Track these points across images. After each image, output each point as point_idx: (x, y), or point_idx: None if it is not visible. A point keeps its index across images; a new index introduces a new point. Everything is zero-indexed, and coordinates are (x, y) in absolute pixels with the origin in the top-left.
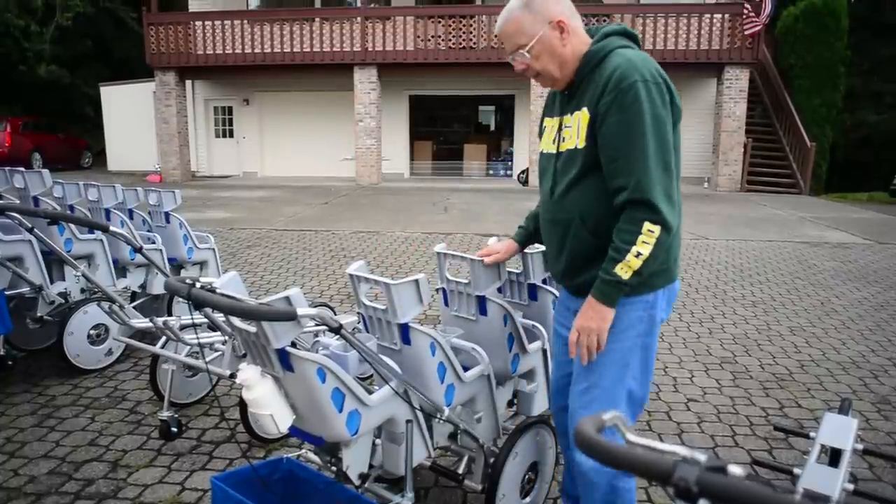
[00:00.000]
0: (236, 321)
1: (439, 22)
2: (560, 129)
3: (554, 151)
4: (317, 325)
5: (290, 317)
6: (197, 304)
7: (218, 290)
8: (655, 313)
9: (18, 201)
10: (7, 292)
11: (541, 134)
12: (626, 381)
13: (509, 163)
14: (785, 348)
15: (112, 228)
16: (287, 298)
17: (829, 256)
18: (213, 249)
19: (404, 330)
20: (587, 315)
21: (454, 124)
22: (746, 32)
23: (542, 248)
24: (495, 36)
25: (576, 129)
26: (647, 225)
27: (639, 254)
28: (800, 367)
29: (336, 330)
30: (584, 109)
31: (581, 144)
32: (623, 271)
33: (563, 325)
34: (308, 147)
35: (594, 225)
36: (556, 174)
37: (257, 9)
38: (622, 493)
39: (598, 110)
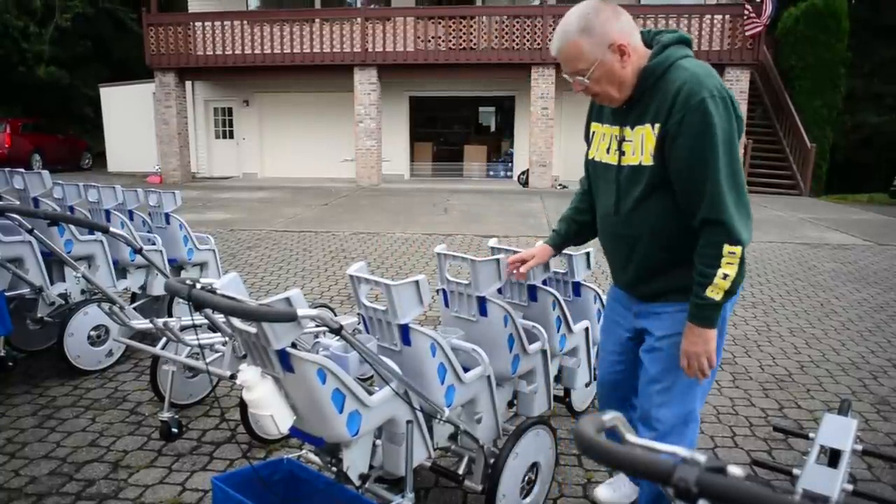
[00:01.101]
0: (237, 322)
1: (439, 23)
2: (620, 141)
3: (614, 164)
4: (317, 326)
5: (291, 318)
6: (197, 305)
7: (218, 291)
8: (727, 313)
9: (18, 202)
10: (7, 293)
11: (587, 137)
12: (704, 380)
13: (509, 164)
14: (784, 349)
15: (112, 229)
16: (287, 299)
17: (829, 258)
18: (214, 250)
19: (404, 331)
20: (690, 340)
21: (454, 125)
22: (747, 33)
23: None
24: (556, 55)
25: (639, 144)
26: (727, 247)
27: (725, 275)
28: (799, 369)
29: (336, 331)
30: (648, 126)
31: (647, 162)
32: (714, 293)
33: (619, 325)
34: (308, 148)
35: (666, 241)
36: (619, 190)
37: (257, 9)
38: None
39: (668, 130)
